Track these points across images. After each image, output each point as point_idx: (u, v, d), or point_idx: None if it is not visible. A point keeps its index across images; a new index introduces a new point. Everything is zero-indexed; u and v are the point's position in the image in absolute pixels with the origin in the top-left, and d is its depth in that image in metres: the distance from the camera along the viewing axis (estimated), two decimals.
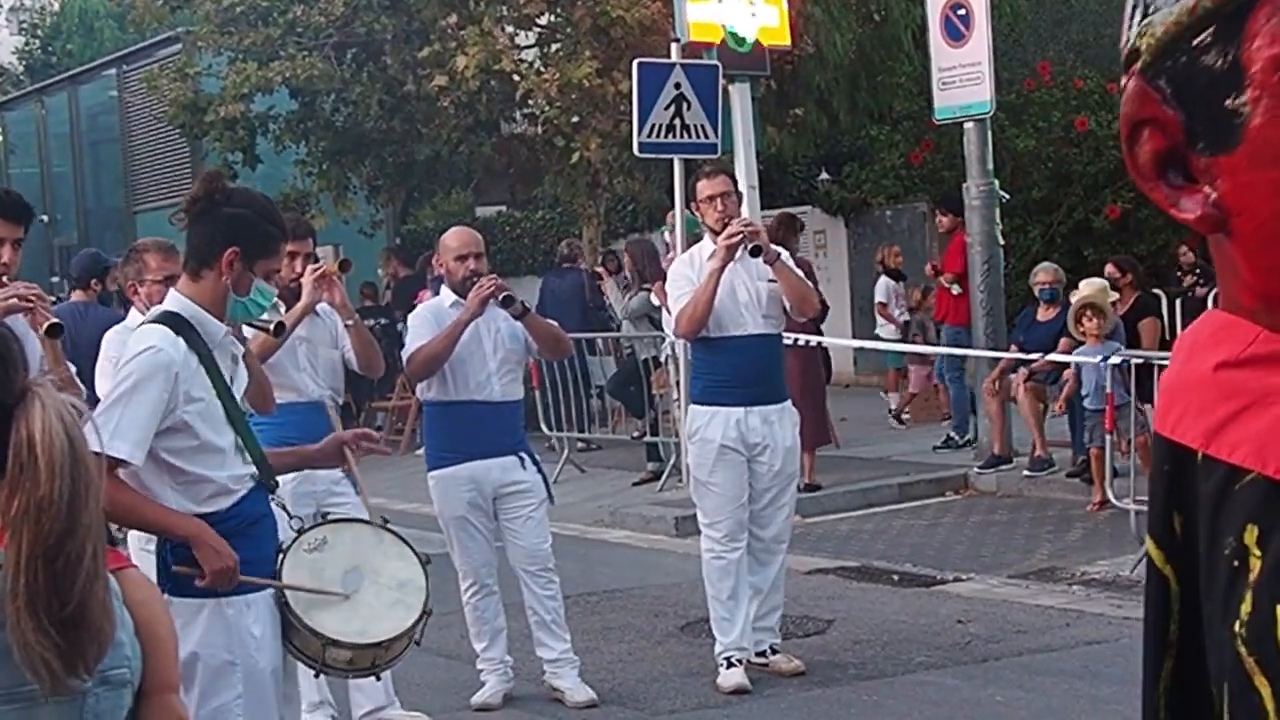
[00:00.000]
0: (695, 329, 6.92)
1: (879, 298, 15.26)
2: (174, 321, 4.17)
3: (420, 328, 6.78)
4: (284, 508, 4.40)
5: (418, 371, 6.76)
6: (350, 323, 6.46)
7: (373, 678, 5.17)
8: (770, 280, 6.96)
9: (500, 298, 6.67)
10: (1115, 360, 9.57)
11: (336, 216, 18.00)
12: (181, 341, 4.13)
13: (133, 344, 4.14)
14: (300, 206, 17.55)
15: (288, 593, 4.26)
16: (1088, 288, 11.86)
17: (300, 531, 4.38)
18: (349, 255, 16.55)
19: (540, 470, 6.96)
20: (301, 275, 6.35)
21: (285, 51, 16.76)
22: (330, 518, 4.64)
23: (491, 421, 6.78)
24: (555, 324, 7.21)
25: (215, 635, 4.15)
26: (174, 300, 4.26)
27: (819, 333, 11.86)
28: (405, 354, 6.81)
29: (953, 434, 13.36)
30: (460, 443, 6.78)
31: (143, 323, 4.27)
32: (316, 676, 4.52)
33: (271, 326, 4.95)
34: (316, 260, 6.68)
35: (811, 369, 11.42)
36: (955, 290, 13.44)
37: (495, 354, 6.79)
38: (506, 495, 6.82)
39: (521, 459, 6.86)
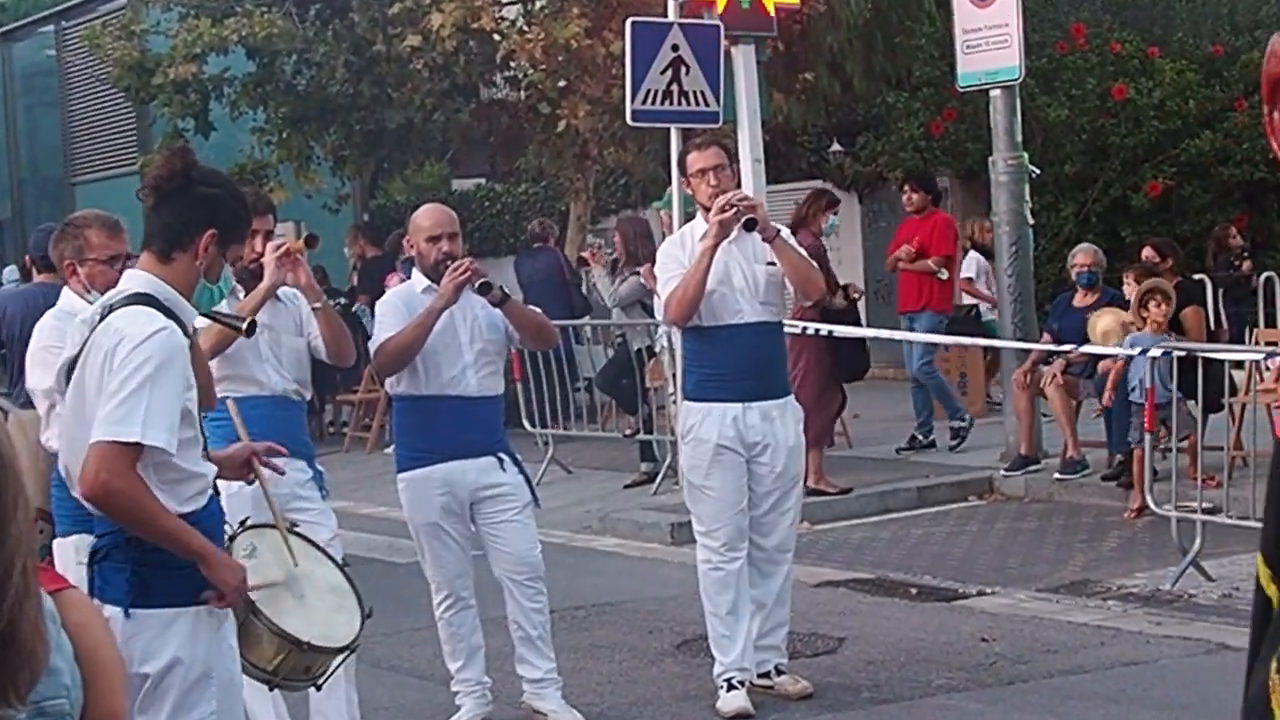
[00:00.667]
0: (686, 314, 6.91)
1: (966, 273, 15.20)
2: (154, 304, 4.21)
3: (389, 316, 6.78)
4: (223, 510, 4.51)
5: (387, 364, 6.76)
6: (318, 305, 6.45)
7: (333, 699, 5.25)
8: (769, 263, 6.95)
9: (477, 284, 6.67)
10: (1156, 352, 9.59)
11: (298, 190, 17.99)
12: (174, 324, 4.19)
13: (132, 327, 4.12)
14: (258, 179, 17.53)
15: (258, 599, 4.38)
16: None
17: (231, 538, 4.51)
18: (313, 232, 16.54)
19: (523, 471, 6.95)
20: (262, 254, 6.33)
21: (242, 7, 16.74)
22: (249, 524, 4.71)
23: (468, 419, 6.78)
24: (539, 311, 7.21)
25: (196, 647, 4.21)
26: (143, 281, 4.28)
27: (855, 319, 11.78)
28: (373, 344, 6.80)
29: (918, 434, 13.53)
30: (433, 442, 6.78)
31: (113, 305, 4.23)
32: (271, 690, 4.63)
33: (244, 326, 4.97)
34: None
35: (809, 354, 11.39)
36: (943, 275, 13.47)
37: (472, 345, 6.80)
38: (485, 499, 6.82)
39: (500, 459, 6.86)
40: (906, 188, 14.17)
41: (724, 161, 7.05)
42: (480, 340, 6.81)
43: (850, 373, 12.02)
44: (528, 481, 6.96)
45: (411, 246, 6.95)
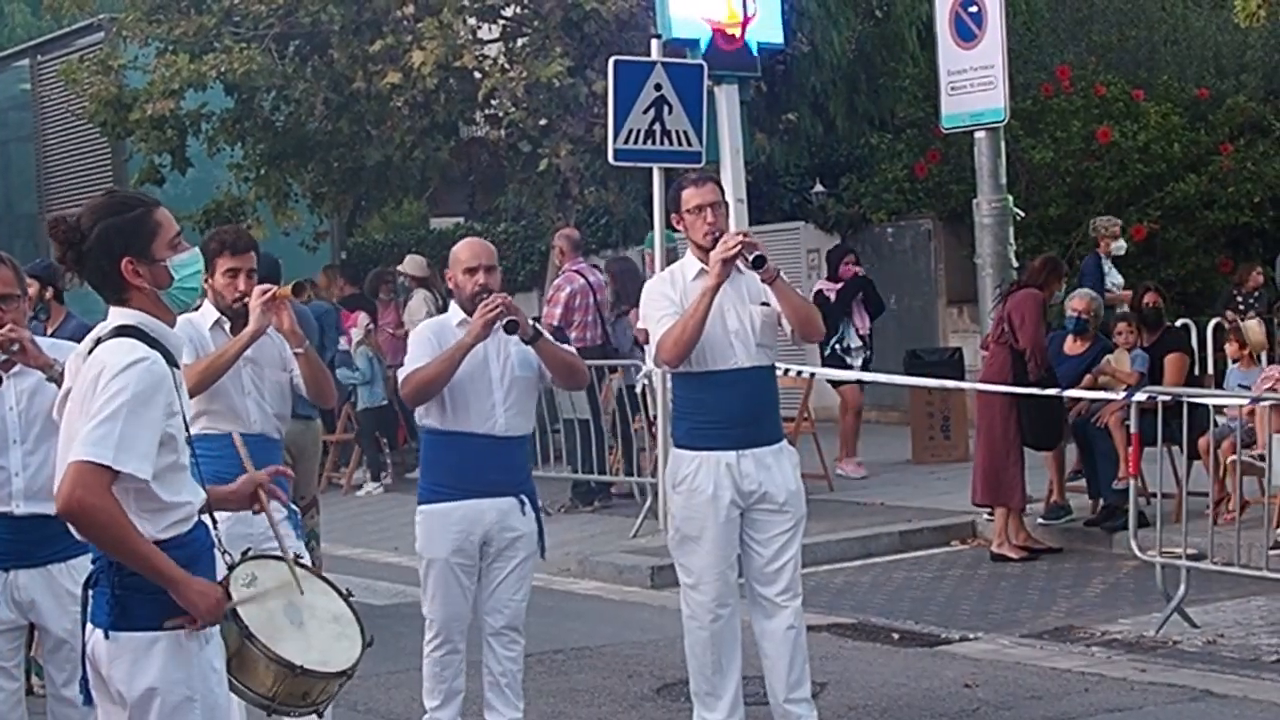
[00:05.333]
0: (683, 354, 6.72)
1: None
2: (140, 335, 4.34)
3: (419, 347, 6.76)
4: (219, 541, 4.57)
5: (411, 396, 6.74)
6: (300, 350, 6.48)
7: None
8: (763, 303, 6.83)
9: (504, 321, 6.63)
10: (1140, 397, 9.64)
11: (276, 227, 17.99)
12: (157, 353, 4.31)
13: (114, 357, 4.26)
14: (235, 215, 17.54)
15: (253, 624, 4.44)
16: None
17: (231, 568, 4.57)
18: (289, 270, 16.57)
19: (539, 518, 6.93)
20: (246, 293, 6.37)
21: (221, 43, 16.77)
22: (251, 554, 4.76)
23: (492, 458, 6.74)
24: (572, 350, 7.18)
25: (175, 670, 4.30)
26: (126, 315, 4.41)
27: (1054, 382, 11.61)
28: (401, 374, 6.80)
29: None
30: (456, 478, 6.75)
31: (101, 337, 4.38)
32: (270, 716, 4.67)
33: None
34: (265, 279, 6.68)
35: (992, 416, 11.28)
36: None
37: (502, 381, 6.76)
38: (497, 542, 6.79)
39: (522, 502, 6.84)
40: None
41: (720, 199, 6.89)
42: (510, 377, 6.78)
43: (1037, 439, 11.51)
44: (540, 530, 6.93)
45: (450, 279, 6.93)
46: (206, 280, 6.46)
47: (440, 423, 6.77)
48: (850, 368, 14.30)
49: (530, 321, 6.85)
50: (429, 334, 6.83)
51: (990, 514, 12.03)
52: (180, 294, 4.49)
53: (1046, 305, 11.47)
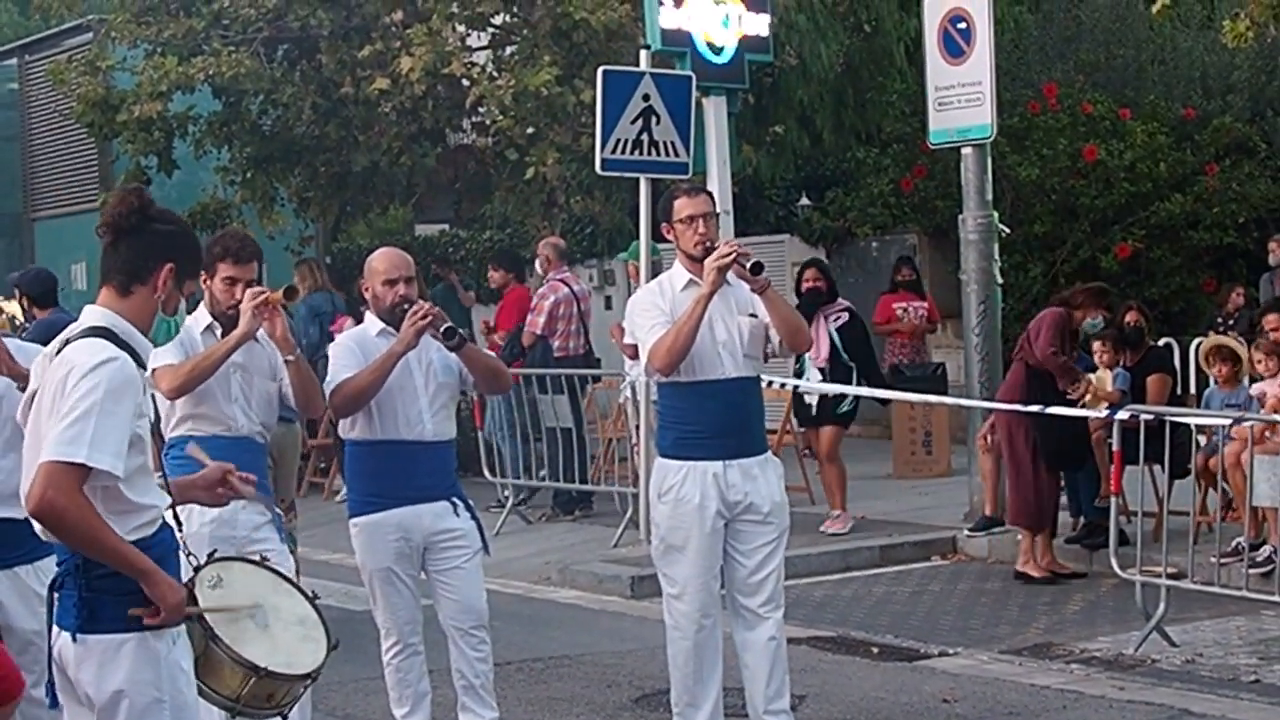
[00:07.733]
0: (675, 362, 6.70)
1: None
2: (110, 337, 4.34)
3: (343, 358, 6.78)
4: (184, 543, 4.57)
5: (342, 407, 6.77)
6: (291, 358, 6.47)
7: None
8: (750, 314, 6.85)
9: (442, 329, 6.68)
10: (1123, 415, 9.65)
11: (261, 231, 17.96)
12: (126, 354, 4.32)
13: (82, 357, 4.27)
14: (220, 218, 17.52)
15: (216, 626, 4.46)
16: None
17: (196, 569, 4.60)
18: (275, 274, 16.56)
19: (474, 517, 6.96)
20: (241, 302, 6.35)
21: (209, 46, 16.76)
22: (216, 556, 4.77)
23: (423, 463, 6.79)
24: (494, 356, 7.22)
25: (143, 671, 4.30)
26: (100, 316, 4.42)
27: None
28: (328, 386, 6.79)
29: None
30: (389, 486, 6.78)
31: (69, 338, 4.37)
32: (235, 718, 4.67)
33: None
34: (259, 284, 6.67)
35: (1019, 435, 11.08)
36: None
37: (427, 388, 6.81)
38: (437, 545, 6.82)
39: (454, 504, 6.87)
40: (489, 267, 15.66)
41: (712, 209, 6.93)
42: (434, 383, 6.83)
43: (1060, 459, 11.21)
44: (479, 528, 6.96)
45: (367, 290, 6.96)
46: (205, 282, 6.45)
47: (369, 433, 6.81)
48: (808, 408, 12.91)
49: (460, 331, 6.89)
50: (352, 344, 6.88)
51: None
52: (170, 323, 4.57)
53: (1068, 327, 11.25)
